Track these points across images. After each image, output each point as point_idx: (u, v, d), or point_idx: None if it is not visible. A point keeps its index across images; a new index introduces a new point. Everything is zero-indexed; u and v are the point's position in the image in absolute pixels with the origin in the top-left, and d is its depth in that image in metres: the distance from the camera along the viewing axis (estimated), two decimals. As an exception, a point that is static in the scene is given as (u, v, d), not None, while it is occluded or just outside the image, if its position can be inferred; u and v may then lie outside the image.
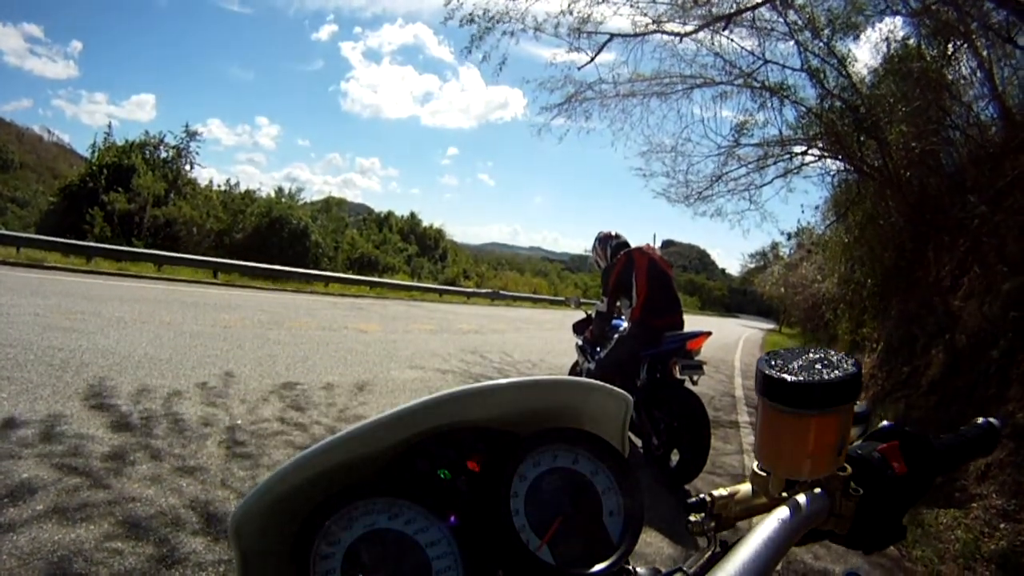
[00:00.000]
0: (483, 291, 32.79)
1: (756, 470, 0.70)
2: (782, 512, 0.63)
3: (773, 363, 0.65)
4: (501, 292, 34.26)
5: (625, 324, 5.24)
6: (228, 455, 4.06)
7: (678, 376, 4.83)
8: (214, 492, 3.48)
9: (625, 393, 0.82)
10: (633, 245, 5.51)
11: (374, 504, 0.68)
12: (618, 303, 5.42)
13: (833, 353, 0.65)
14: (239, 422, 4.76)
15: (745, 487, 0.73)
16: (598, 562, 0.71)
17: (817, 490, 0.67)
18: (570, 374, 5.82)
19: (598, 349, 5.52)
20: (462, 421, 0.77)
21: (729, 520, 0.72)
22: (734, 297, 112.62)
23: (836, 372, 0.62)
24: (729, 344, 24.90)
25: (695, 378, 4.91)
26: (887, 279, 12.20)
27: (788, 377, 0.62)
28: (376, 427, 0.68)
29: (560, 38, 11.07)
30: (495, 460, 0.75)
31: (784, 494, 0.68)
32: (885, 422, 0.73)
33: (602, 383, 0.81)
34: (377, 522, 0.67)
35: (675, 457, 4.79)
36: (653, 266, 5.18)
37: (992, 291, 7.51)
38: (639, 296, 5.06)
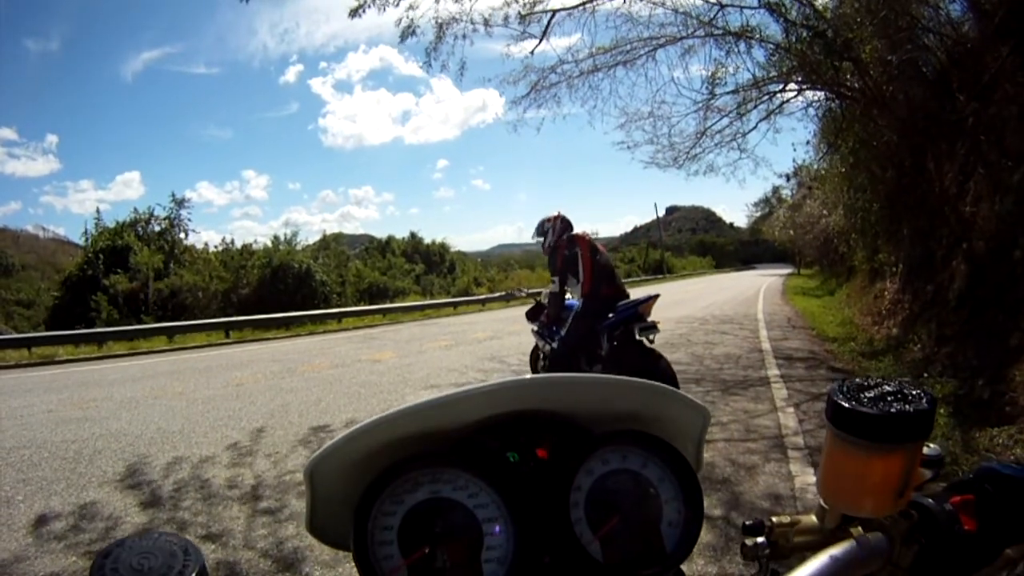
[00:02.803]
0: (496, 295, 32.25)
1: (821, 502, 0.68)
2: (836, 549, 0.60)
3: (844, 390, 0.62)
4: (517, 291, 33.64)
5: (576, 301, 5.73)
6: (234, 517, 3.93)
7: (637, 338, 5.30)
8: (226, 555, 3.35)
9: (704, 406, 0.82)
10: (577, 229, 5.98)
11: (441, 474, 0.72)
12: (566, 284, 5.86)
13: (909, 386, 0.62)
14: (245, 482, 4.63)
15: (809, 518, 0.70)
16: (647, 568, 0.71)
17: (877, 533, 0.64)
18: (531, 359, 7.09)
19: (554, 328, 6.01)
20: (538, 409, 0.79)
21: (785, 549, 0.69)
22: (746, 249, 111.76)
23: (907, 406, 0.59)
24: (749, 297, 24.74)
25: (651, 337, 5.35)
26: (892, 200, 12.05)
27: (855, 406, 0.60)
28: (455, 401, 0.71)
29: (510, 27, 10.88)
30: (564, 451, 0.77)
31: (855, 529, 0.65)
32: (971, 473, 0.67)
33: (684, 393, 0.81)
34: (441, 491, 0.72)
35: None
36: (593, 245, 5.70)
37: (1001, 188, 7.29)
38: (586, 271, 5.55)
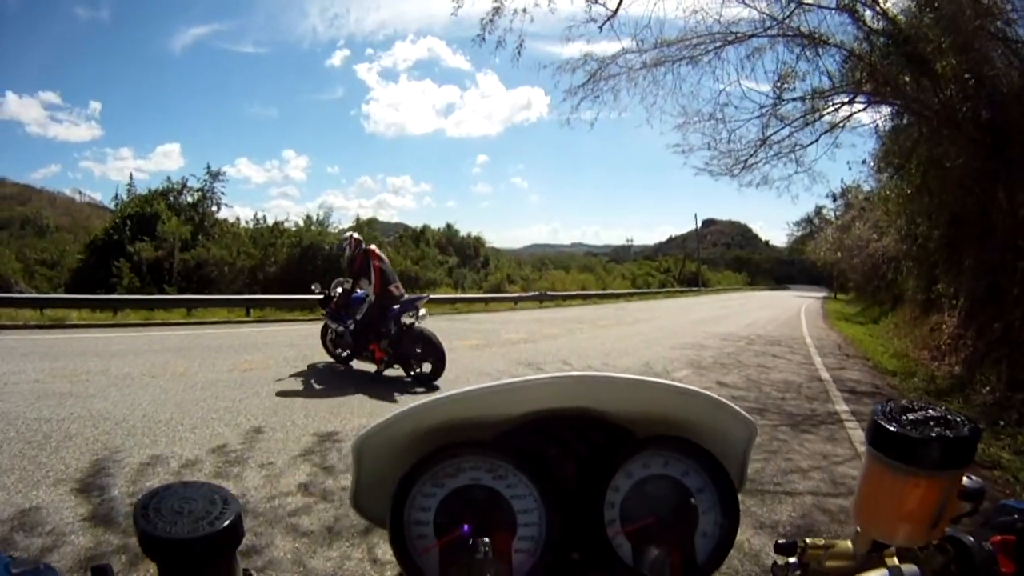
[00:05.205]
0: (530, 294, 31.32)
1: (856, 527, 0.65)
2: None
3: (887, 411, 0.60)
4: (548, 293, 32.81)
5: (368, 295, 8.05)
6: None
7: (413, 320, 7.90)
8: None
9: (752, 421, 0.79)
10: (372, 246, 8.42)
11: (483, 462, 0.74)
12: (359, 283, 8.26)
13: (955, 414, 0.59)
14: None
15: (843, 543, 0.68)
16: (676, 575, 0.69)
17: (911, 565, 0.61)
18: (321, 334, 9.25)
19: (342, 314, 8.36)
20: (585, 408, 0.77)
21: (816, 573, 0.67)
22: (782, 268, 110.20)
23: (948, 432, 0.56)
24: (791, 318, 24.20)
25: (420, 320, 7.98)
26: (955, 227, 11.51)
27: (895, 427, 0.57)
28: (505, 390, 0.71)
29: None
30: (606, 451, 0.77)
31: (889, 559, 0.63)
32: (1012, 500, 0.64)
33: (734, 405, 0.77)
34: (481, 478, 0.73)
35: (427, 368, 7.79)
36: (380, 257, 8.16)
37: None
38: (376, 276, 7.92)
